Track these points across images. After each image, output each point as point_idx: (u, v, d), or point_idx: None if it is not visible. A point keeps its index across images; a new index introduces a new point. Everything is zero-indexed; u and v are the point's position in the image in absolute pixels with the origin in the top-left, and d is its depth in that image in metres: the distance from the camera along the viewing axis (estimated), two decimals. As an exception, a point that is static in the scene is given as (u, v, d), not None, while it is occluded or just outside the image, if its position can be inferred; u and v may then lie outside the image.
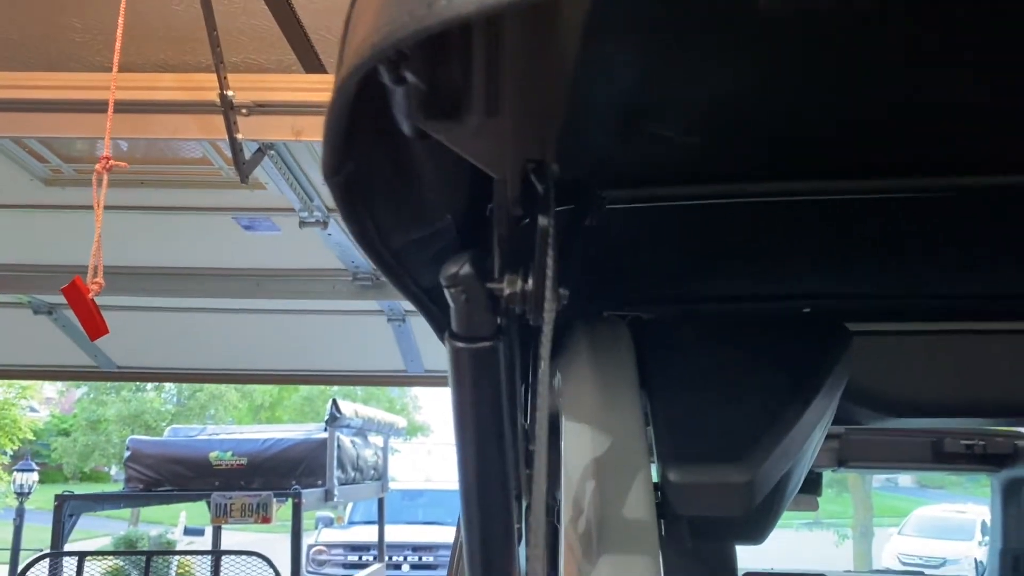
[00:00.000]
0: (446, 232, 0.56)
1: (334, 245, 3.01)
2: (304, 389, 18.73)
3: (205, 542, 6.33)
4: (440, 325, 0.84)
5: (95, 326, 1.20)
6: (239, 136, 2.01)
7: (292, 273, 3.42)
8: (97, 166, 1.42)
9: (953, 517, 15.31)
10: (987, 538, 3.87)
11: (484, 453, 0.55)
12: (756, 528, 0.87)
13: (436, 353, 4.48)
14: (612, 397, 0.86)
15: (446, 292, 0.49)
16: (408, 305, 3.90)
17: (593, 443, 0.82)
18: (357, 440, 6.54)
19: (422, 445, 23.99)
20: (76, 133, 2.19)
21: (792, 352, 0.95)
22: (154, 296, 3.51)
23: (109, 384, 17.95)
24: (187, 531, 11.47)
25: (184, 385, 18.01)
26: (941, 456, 3.04)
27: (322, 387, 17.86)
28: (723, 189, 0.92)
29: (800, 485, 0.94)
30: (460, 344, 0.51)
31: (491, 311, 0.49)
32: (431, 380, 4.79)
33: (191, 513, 12.81)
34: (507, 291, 0.49)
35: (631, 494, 0.77)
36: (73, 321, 4.06)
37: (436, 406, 24.52)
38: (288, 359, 4.56)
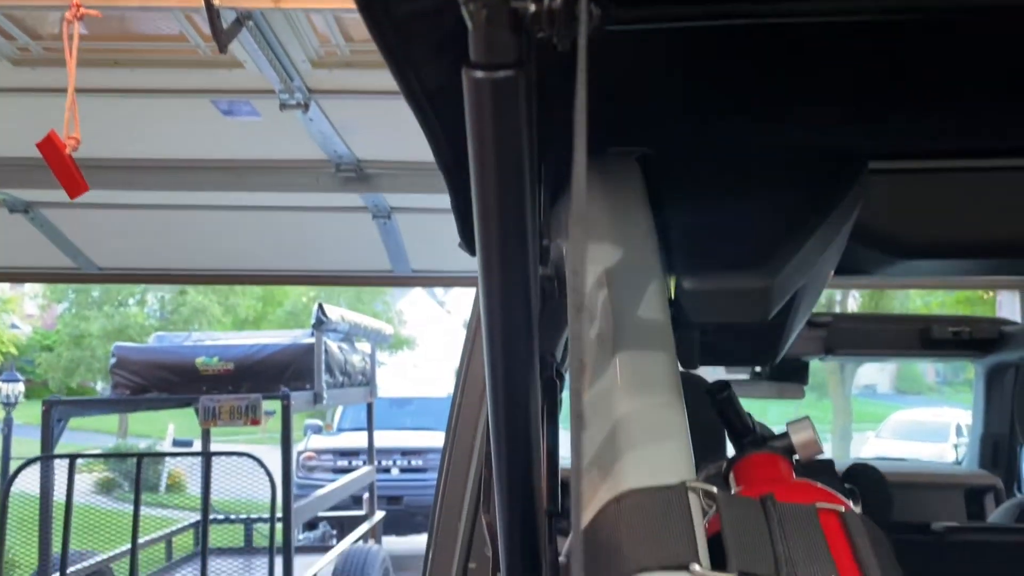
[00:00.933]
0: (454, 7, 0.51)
1: (316, 133, 2.93)
2: (288, 304, 18.71)
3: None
4: (438, 143, 0.79)
5: (74, 184, 1.14)
6: (216, 2, 1.92)
7: (273, 164, 3.34)
8: (67, 14, 1.34)
9: (929, 420, 15.70)
10: (961, 439, 3.94)
11: (505, 217, 0.51)
12: (767, 348, 0.85)
13: (423, 253, 4.45)
14: (623, 215, 0.82)
15: (464, 11, 0.43)
16: (394, 201, 3.86)
17: (605, 256, 0.78)
18: (344, 346, 6.54)
19: (408, 359, 24.19)
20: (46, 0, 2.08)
21: (806, 177, 0.91)
22: (132, 190, 3.43)
23: (91, 299, 17.87)
24: (175, 443, 11.58)
25: (167, 299, 17.96)
26: (928, 343, 3.06)
27: (307, 302, 17.86)
28: (733, 8, 0.87)
29: (809, 311, 0.91)
30: (479, 74, 0.45)
31: (514, 32, 0.44)
32: (418, 280, 4.77)
33: (179, 426, 12.92)
34: (532, 8, 0.43)
35: (645, 300, 0.74)
36: (51, 220, 3.98)
37: (421, 320, 24.64)
38: (272, 259, 4.51)
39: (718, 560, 0.56)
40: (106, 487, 7.76)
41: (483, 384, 1.52)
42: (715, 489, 0.60)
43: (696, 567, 0.55)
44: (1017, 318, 4.50)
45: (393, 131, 3.09)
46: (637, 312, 0.73)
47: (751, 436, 0.75)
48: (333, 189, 3.38)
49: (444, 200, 0.92)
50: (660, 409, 0.65)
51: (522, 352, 0.60)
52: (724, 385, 0.78)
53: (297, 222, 4.13)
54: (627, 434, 0.63)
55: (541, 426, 0.66)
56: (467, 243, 1.39)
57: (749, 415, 0.76)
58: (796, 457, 0.72)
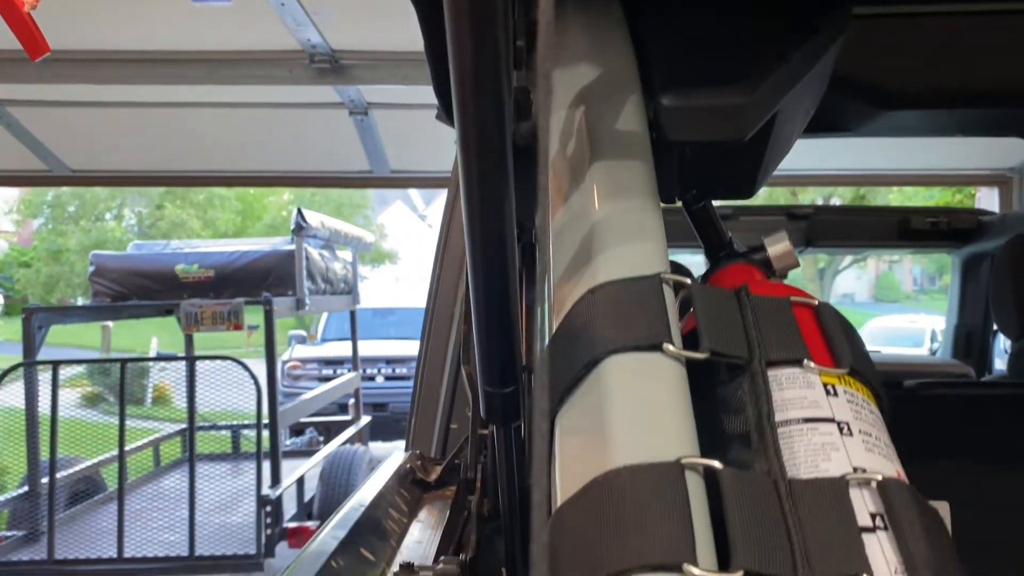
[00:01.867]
0: None
1: (287, 16, 2.84)
2: (268, 217, 18.57)
3: (177, 366, 6.37)
4: None
5: (35, 44, 1.08)
6: None
7: (245, 56, 3.24)
8: None
9: (906, 327, 15.97)
10: (936, 344, 3.99)
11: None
12: (745, 177, 0.84)
13: (402, 152, 4.39)
14: (598, 31, 0.79)
15: None
16: (371, 96, 3.78)
17: (580, 75, 0.76)
18: (325, 253, 6.51)
19: (390, 273, 24.19)
20: None
21: (788, 5, 0.88)
22: (97, 83, 3.33)
23: (67, 214, 17.63)
24: (159, 356, 11.61)
25: (144, 213, 17.76)
26: (906, 234, 3.08)
27: (286, 216, 17.71)
28: None
29: (788, 146, 0.90)
30: None
31: None
32: (397, 181, 4.72)
33: (161, 340, 12.93)
34: None
35: (623, 117, 0.72)
36: (20, 120, 3.88)
37: (402, 235, 24.55)
38: (247, 160, 4.44)
39: (692, 347, 0.55)
40: (91, 401, 7.79)
41: (462, 254, 1.52)
42: (688, 280, 0.60)
43: (669, 347, 0.55)
44: (996, 212, 4.52)
45: (369, 18, 3.01)
46: (614, 127, 0.72)
47: (727, 249, 0.75)
48: (307, 81, 3.30)
49: (423, 94, 0.89)
50: (637, 213, 0.65)
51: (499, 213, 0.59)
52: (700, 196, 0.77)
53: (273, 120, 4.04)
54: (602, 237, 0.62)
55: (520, 288, 0.65)
56: (446, 109, 1.37)
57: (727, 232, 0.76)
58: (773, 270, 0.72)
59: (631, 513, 0.47)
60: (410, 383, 6.42)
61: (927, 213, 3.16)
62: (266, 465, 5.01)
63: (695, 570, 0.45)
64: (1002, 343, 3.32)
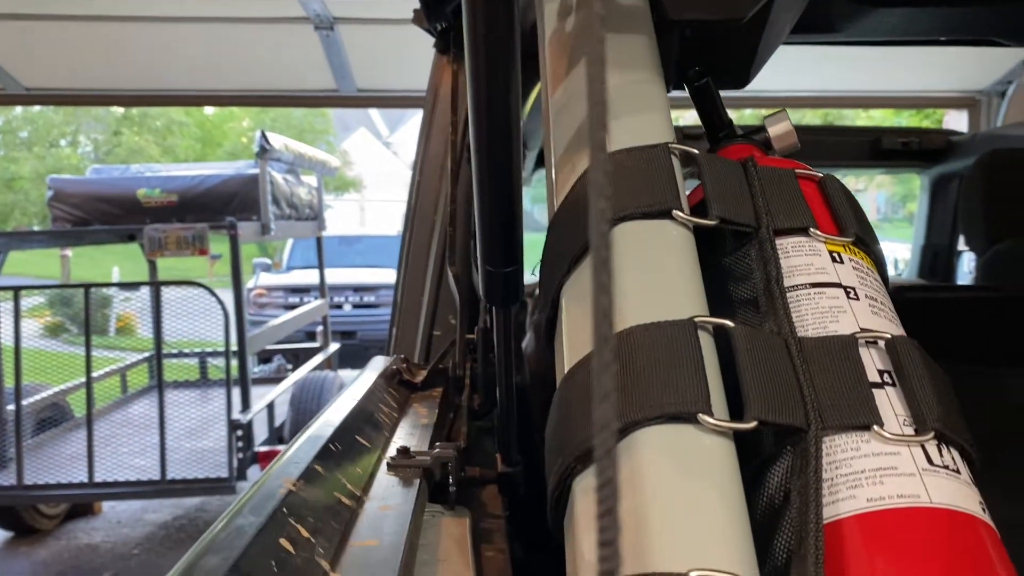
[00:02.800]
0: None
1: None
2: (229, 144, 18.20)
3: (141, 297, 6.28)
4: None
5: None
6: None
7: (207, -33, 3.13)
8: None
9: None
10: (899, 270, 4.06)
11: None
12: (741, 62, 0.83)
13: (369, 70, 4.30)
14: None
15: None
16: (337, 9, 3.67)
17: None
18: (289, 178, 6.40)
19: (355, 201, 23.94)
20: None
21: None
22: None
23: (19, 140, 17.11)
24: (120, 286, 11.44)
25: (100, 140, 17.29)
26: (877, 154, 3.11)
27: (247, 142, 17.37)
28: None
29: (782, 36, 0.89)
30: None
31: None
32: (364, 100, 4.63)
33: (123, 270, 12.74)
34: None
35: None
36: (-32, 35, 3.72)
37: (367, 162, 24.23)
38: (208, 78, 4.32)
39: (701, 216, 0.55)
40: (54, 332, 7.69)
41: (442, 159, 1.50)
42: (695, 151, 0.59)
43: (679, 213, 0.55)
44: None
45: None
46: (615, 3, 0.70)
47: (727, 130, 0.74)
48: (271, -7, 3.20)
49: (391, 8, 0.85)
50: (642, 85, 0.64)
51: (505, 84, 0.57)
52: (702, 73, 0.76)
53: (235, 37, 3.93)
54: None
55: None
56: (427, 9, 1.33)
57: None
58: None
59: (646, 368, 0.48)
60: (377, 311, 6.45)
61: (899, 133, 3.19)
62: (235, 391, 5.00)
63: (710, 419, 0.46)
64: (966, 265, 3.39)
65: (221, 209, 5.52)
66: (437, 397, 1.12)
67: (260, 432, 5.29)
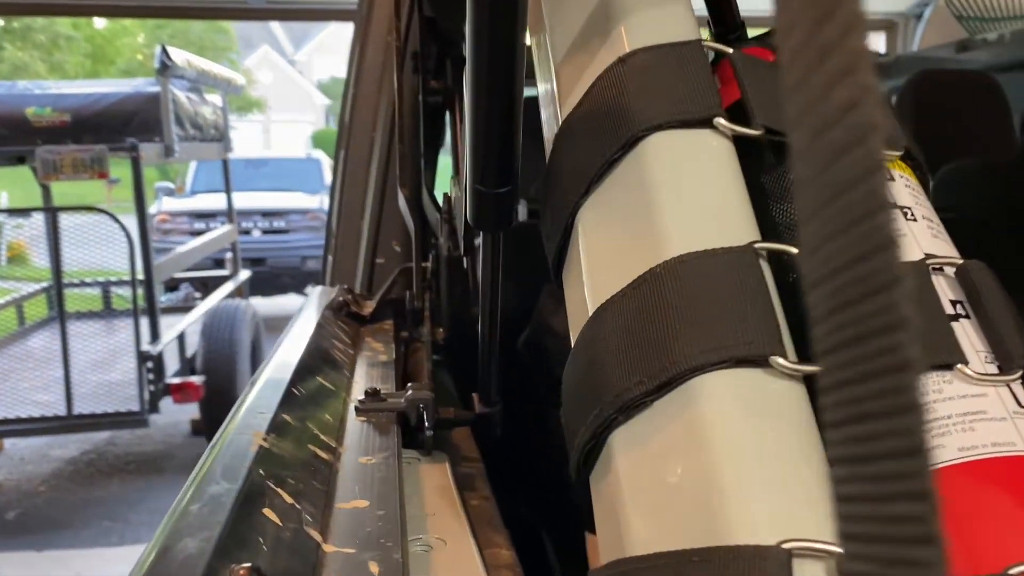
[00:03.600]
0: None
1: None
2: (123, 61, 17.19)
3: (33, 223, 5.91)
4: None
5: None
6: None
7: None
8: None
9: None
10: None
11: None
12: None
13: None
14: None
15: None
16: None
17: None
18: (192, 96, 6.05)
19: (259, 123, 23.08)
20: None
21: None
22: None
23: None
24: (10, 212, 10.81)
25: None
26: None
27: (142, 60, 16.43)
28: None
29: None
30: None
31: None
32: (274, 13, 4.37)
33: (12, 196, 12.00)
34: None
35: None
36: None
37: (271, 81, 23.32)
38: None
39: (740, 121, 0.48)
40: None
41: (379, 71, 1.39)
42: (730, 49, 0.52)
43: (721, 121, 0.47)
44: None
45: None
46: None
47: (739, 31, 0.67)
48: None
49: None
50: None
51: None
52: None
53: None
54: (622, 2, 0.53)
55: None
56: None
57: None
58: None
59: (703, 303, 0.41)
60: (288, 237, 6.26)
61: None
62: (143, 322, 4.79)
63: (785, 362, 0.39)
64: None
65: (120, 129, 5.18)
66: (390, 331, 1.04)
67: (171, 363, 5.10)
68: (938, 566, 0.16)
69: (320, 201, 8.92)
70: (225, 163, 6.95)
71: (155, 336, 4.80)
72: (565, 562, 1.11)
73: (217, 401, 5.02)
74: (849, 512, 0.18)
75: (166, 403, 4.88)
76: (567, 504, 1.12)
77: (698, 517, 0.37)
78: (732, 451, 0.37)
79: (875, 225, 0.17)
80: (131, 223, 4.82)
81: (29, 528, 4.30)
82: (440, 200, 1.14)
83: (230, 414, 0.59)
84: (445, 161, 1.41)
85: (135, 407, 4.54)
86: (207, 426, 5.17)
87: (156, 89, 5.34)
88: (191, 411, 5.39)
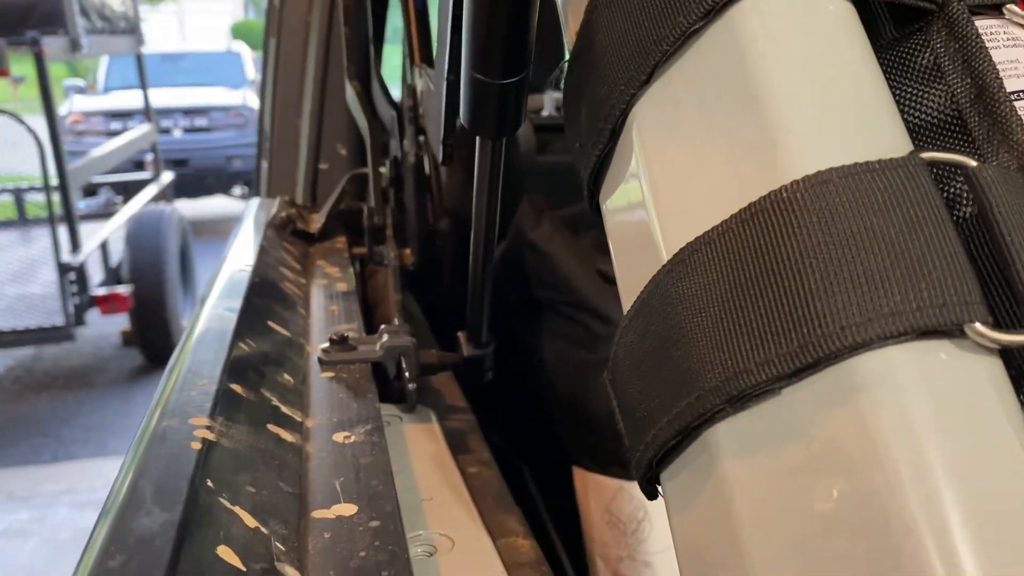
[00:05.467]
0: None
1: None
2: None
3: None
4: None
5: None
6: None
7: None
8: None
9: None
10: None
11: None
12: None
13: None
14: None
15: None
16: None
17: None
18: (98, -15, 5.59)
19: (172, 14, 21.80)
20: None
21: None
22: None
23: None
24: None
25: None
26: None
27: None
28: None
29: None
30: None
31: None
32: None
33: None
34: None
35: None
36: None
37: (182, -31, 21.94)
38: None
39: None
40: None
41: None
42: None
43: None
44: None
45: None
46: None
47: None
48: None
49: None
50: None
51: None
52: None
53: None
54: None
55: None
56: None
57: None
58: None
59: (865, 248, 0.28)
60: (211, 136, 5.97)
61: None
62: (62, 231, 4.50)
63: (987, 330, 0.27)
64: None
65: (19, 23, 4.75)
66: (343, 250, 0.89)
67: (95, 274, 4.85)
68: None
69: (243, 97, 8.49)
70: (139, 58, 6.51)
71: (76, 246, 4.53)
72: (547, 494, 1.02)
73: (147, 311, 4.82)
74: None
75: (93, 315, 4.66)
76: (549, 434, 1.02)
77: (869, 562, 0.25)
78: (922, 467, 0.25)
79: None
80: (40, 124, 4.47)
81: (-44, 449, 4.12)
82: (396, 93, 0.99)
83: (160, 384, 0.45)
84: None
85: (59, 321, 4.31)
86: (138, 336, 4.98)
87: (57, -24, 4.89)
88: (120, 322, 5.17)
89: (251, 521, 0.34)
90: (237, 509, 0.34)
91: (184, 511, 0.32)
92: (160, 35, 18.70)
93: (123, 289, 4.77)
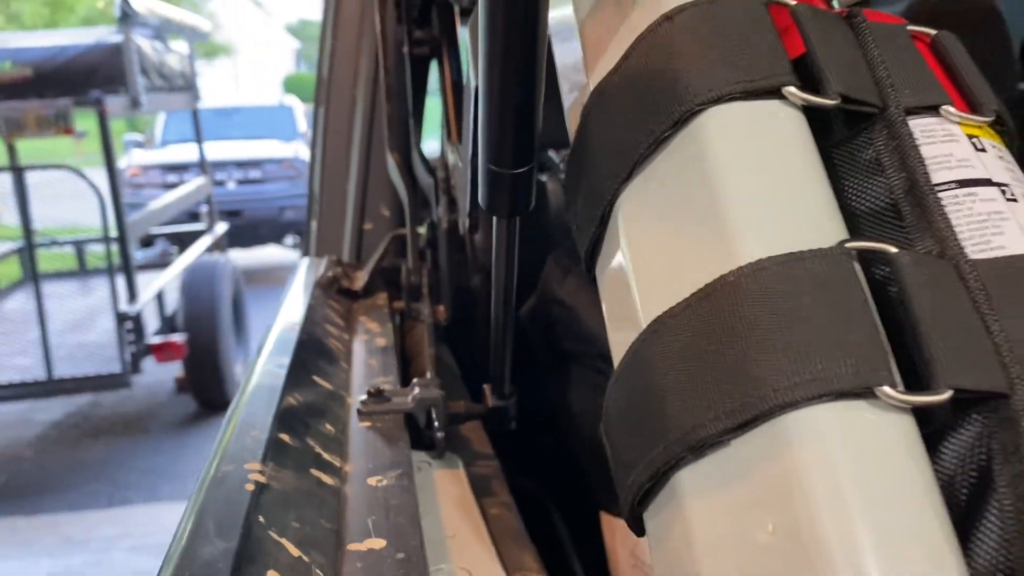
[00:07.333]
0: None
1: None
2: (82, 10, 16.64)
3: (1, 181, 5.72)
4: None
5: None
6: None
7: None
8: None
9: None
10: None
11: None
12: None
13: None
14: None
15: None
16: None
17: None
18: (157, 45, 5.84)
19: (227, 68, 22.53)
20: None
21: None
22: None
23: None
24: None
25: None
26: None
27: (103, 6, 15.91)
28: None
29: None
30: None
31: None
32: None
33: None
34: None
35: None
36: None
37: (238, 24, 22.72)
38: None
39: (810, 86, 0.41)
40: None
41: (358, 20, 1.29)
42: (792, 1, 0.44)
43: (792, 90, 0.40)
44: None
45: None
46: None
47: None
48: None
49: None
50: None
51: None
52: None
53: None
54: None
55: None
56: None
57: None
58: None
59: (792, 322, 0.34)
60: (263, 187, 6.13)
61: None
62: (120, 281, 4.68)
63: (895, 392, 0.33)
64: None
65: (84, 82, 5.00)
66: (383, 307, 0.96)
67: (151, 323, 5.01)
68: None
69: (295, 149, 8.74)
70: (195, 113, 6.76)
71: (133, 295, 4.70)
72: (577, 539, 1.06)
73: (201, 358, 4.95)
74: None
75: (149, 362, 4.80)
76: (578, 480, 1.07)
77: None
78: (839, 505, 0.30)
79: None
80: (100, 177, 4.68)
81: (17, 493, 4.25)
82: (432, 160, 1.06)
83: (220, 433, 0.52)
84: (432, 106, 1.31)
85: (117, 368, 4.46)
86: (192, 384, 5.11)
87: (119, 39, 5.13)
88: (175, 370, 5.31)
89: (295, 551, 0.40)
90: (284, 541, 0.41)
91: (240, 542, 0.39)
92: (216, 88, 19.33)
93: (178, 337, 4.91)
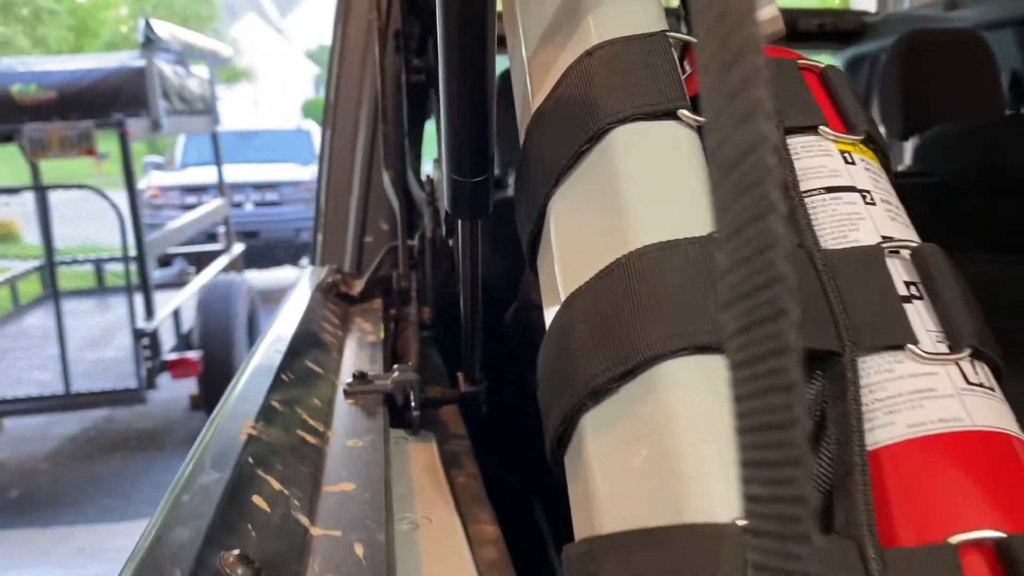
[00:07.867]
0: None
1: None
2: (107, 34, 17.00)
3: (21, 200, 5.87)
4: None
5: None
6: None
7: None
8: None
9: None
10: None
11: None
12: None
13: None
14: None
15: None
16: None
17: None
18: (179, 69, 6.01)
19: (248, 93, 22.89)
20: None
21: None
22: None
23: None
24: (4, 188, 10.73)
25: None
26: (792, 35, 3.10)
27: (127, 32, 16.25)
28: None
29: None
30: None
31: None
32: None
33: (0, 173, 11.93)
34: None
35: None
36: None
37: (258, 50, 23.08)
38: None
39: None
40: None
41: (362, 49, 1.39)
42: (694, 39, 0.53)
43: (685, 113, 0.49)
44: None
45: None
46: None
47: None
48: None
49: None
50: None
51: None
52: None
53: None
54: None
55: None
56: None
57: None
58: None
59: (665, 293, 0.43)
60: (280, 209, 6.23)
61: (813, 15, 3.18)
62: (138, 298, 4.80)
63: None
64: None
65: (106, 105, 5.15)
66: (378, 310, 1.06)
67: (167, 339, 5.12)
68: (806, 525, 0.19)
69: (312, 172, 8.89)
70: (214, 136, 6.92)
71: (150, 313, 4.82)
72: (557, 530, 1.14)
73: (215, 376, 5.03)
74: (747, 476, 0.20)
75: (164, 379, 4.90)
76: (545, 460, 1.15)
77: (662, 498, 0.39)
78: (692, 436, 0.39)
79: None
80: (120, 198, 4.81)
81: (32, 506, 4.35)
82: (424, 178, 1.16)
83: (221, 401, 0.61)
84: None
85: (132, 384, 4.56)
86: (206, 401, 5.20)
87: (141, 63, 5.29)
88: (189, 386, 5.41)
89: (278, 486, 0.49)
90: (269, 477, 0.49)
91: (231, 473, 0.47)
92: (236, 112, 19.62)
93: (193, 355, 5.01)
